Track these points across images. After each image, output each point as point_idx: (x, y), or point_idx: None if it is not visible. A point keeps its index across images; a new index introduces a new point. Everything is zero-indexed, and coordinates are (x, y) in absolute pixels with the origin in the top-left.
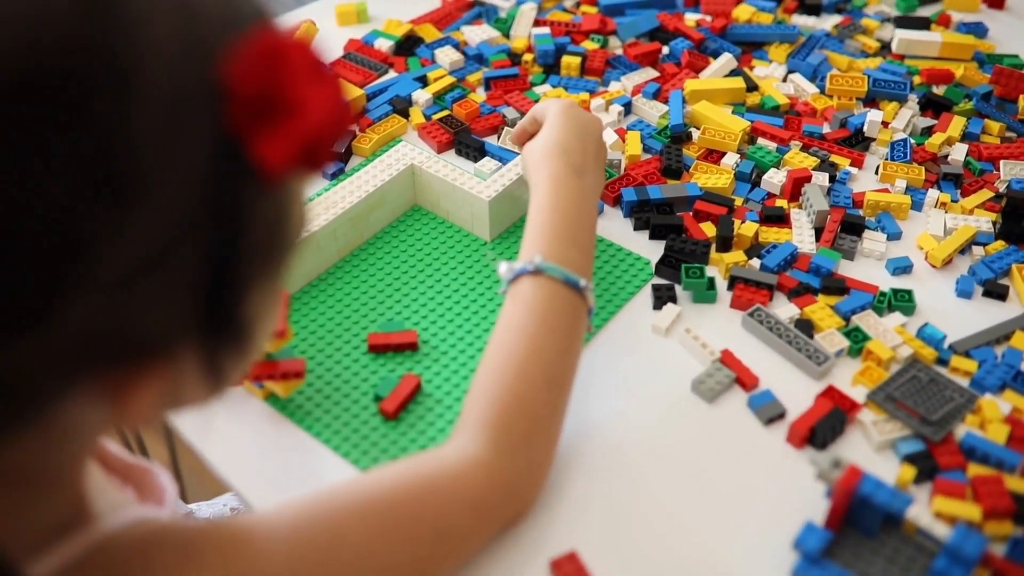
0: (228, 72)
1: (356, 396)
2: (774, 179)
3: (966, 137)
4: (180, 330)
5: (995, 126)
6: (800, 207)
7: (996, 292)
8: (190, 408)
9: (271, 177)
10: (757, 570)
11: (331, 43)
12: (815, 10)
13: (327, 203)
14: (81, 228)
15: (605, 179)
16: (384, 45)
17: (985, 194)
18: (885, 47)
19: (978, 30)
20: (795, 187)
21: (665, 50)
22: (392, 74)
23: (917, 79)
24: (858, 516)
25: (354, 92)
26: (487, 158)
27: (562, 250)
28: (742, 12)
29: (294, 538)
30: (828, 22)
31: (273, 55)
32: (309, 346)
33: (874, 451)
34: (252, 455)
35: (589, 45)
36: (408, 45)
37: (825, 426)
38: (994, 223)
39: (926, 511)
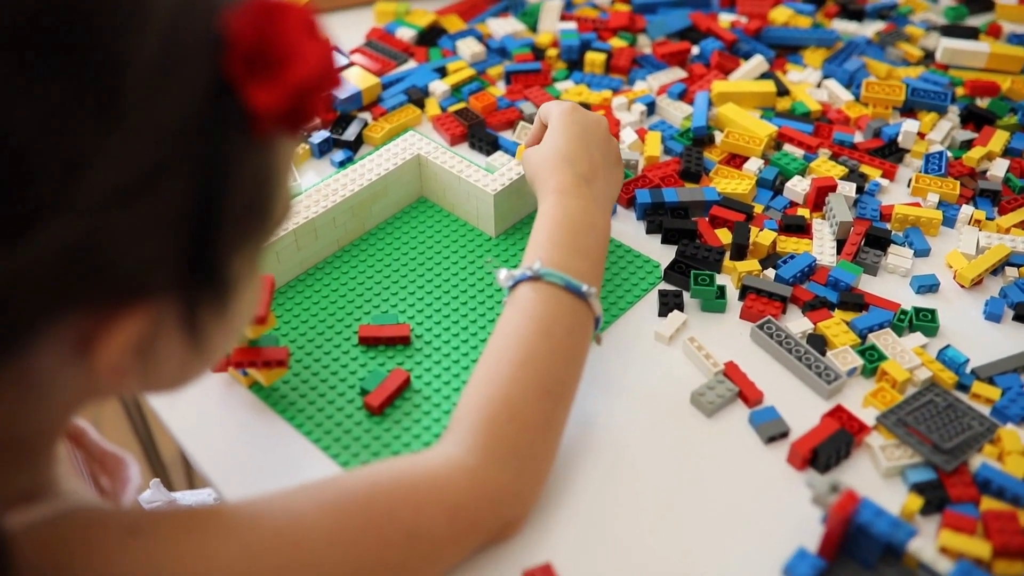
0: (228, 23)
1: (342, 389)
2: (797, 187)
3: (1008, 153)
4: (159, 270)
5: None
6: (823, 217)
7: None
8: (167, 382)
9: (261, 126)
10: None
11: (355, 31)
12: (858, 16)
13: (328, 190)
14: (72, 141)
15: (622, 177)
16: (407, 35)
17: None
18: (929, 56)
19: None
20: (819, 196)
21: (695, 50)
22: (412, 64)
23: (960, 90)
24: (856, 545)
25: (369, 80)
26: (499, 152)
27: (564, 258)
28: (779, 15)
29: (254, 526)
30: (870, 28)
31: (271, 11)
32: (299, 335)
33: (881, 478)
34: (231, 444)
35: (616, 42)
36: (431, 35)
37: (829, 448)
38: None
39: (931, 545)
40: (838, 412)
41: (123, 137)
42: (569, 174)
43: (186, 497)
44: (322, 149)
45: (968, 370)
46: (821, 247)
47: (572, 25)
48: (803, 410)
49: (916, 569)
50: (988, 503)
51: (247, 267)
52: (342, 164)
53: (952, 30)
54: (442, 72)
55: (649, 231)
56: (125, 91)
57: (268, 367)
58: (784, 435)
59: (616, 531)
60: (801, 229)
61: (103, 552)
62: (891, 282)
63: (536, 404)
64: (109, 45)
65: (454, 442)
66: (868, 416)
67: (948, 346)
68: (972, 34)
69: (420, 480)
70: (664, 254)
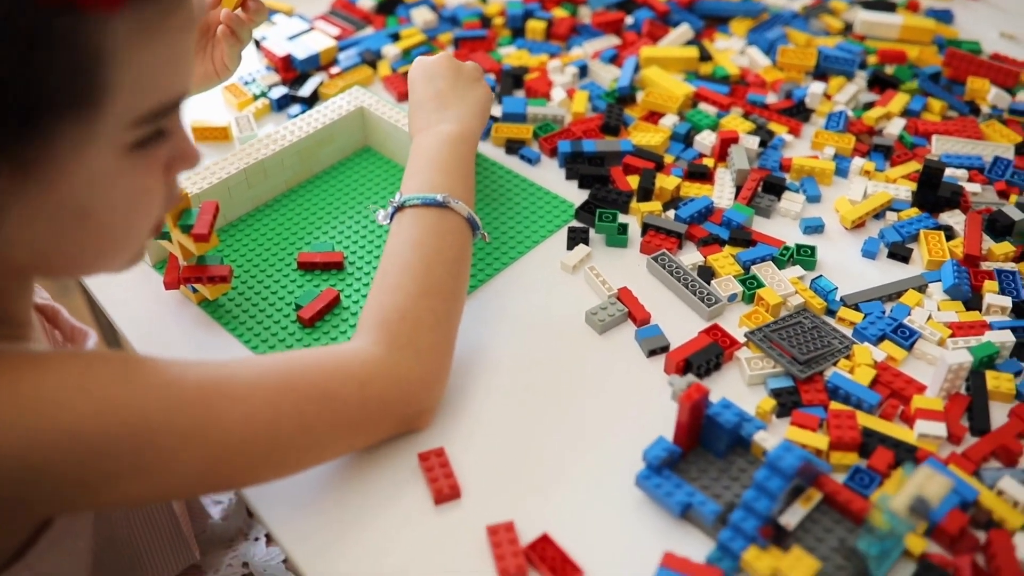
0: None
1: (280, 306)
2: (706, 140)
3: (907, 114)
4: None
5: (937, 105)
6: (727, 167)
7: (900, 255)
8: (45, 256)
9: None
10: (608, 476)
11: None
12: None
13: (277, 135)
14: None
15: (484, 91)
16: (367, 4)
17: (912, 166)
18: (849, 28)
19: (944, 16)
20: (723, 148)
21: (629, 19)
22: (370, 30)
23: (872, 59)
24: (708, 436)
25: (326, 44)
26: None
27: (421, 180)
28: None
29: (180, 370)
30: (799, 3)
31: None
32: (246, 261)
33: (746, 386)
34: (179, 351)
35: (558, 12)
36: (390, 5)
37: (700, 358)
38: (913, 192)
39: (776, 438)
40: (714, 330)
41: None
42: (420, 116)
43: None
44: (280, 104)
45: (837, 297)
46: (721, 192)
47: None
48: (685, 329)
49: (761, 457)
50: (835, 406)
51: (83, 153)
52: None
53: (872, 4)
54: (395, 38)
55: (568, 177)
56: None
57: (213, 282)
58: (665, 349)
59: (505, 424)
60: (704, 176)
61: (48, 364)
62: (783, 224)
63: (423, 304)
64: None
65: (360, 338)
66: (741, 335)
67: (820, 276)
68: (890, 8)
69: (333, 356)
70: (580, 197)
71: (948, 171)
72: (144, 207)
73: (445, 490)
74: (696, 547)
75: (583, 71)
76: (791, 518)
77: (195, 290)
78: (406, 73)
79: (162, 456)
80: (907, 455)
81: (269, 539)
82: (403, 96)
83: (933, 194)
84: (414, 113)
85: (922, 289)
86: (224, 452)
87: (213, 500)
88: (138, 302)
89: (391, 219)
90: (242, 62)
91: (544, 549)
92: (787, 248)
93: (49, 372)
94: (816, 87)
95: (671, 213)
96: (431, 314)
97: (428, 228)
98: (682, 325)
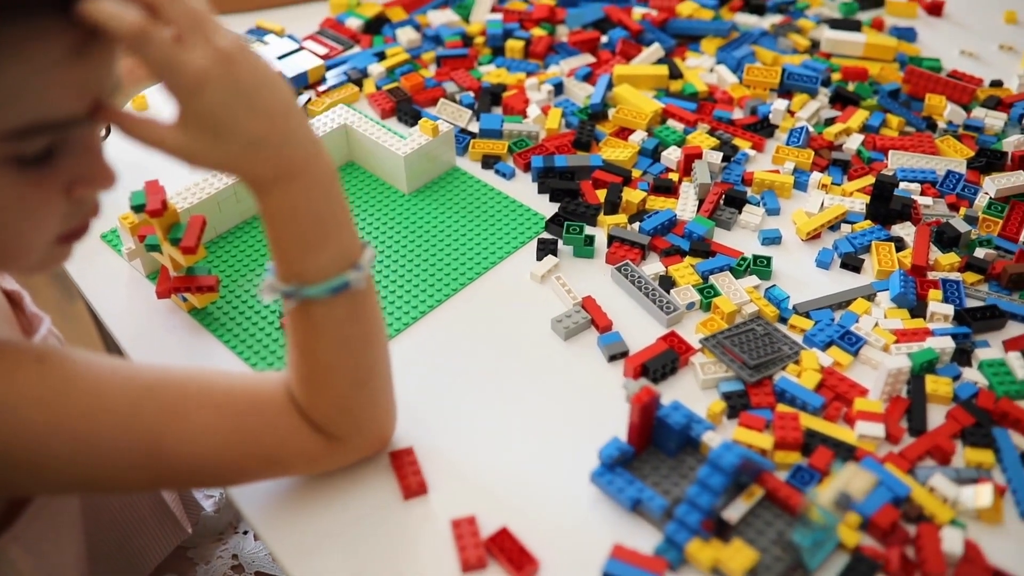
0: None
1: (265, 313)
2: (672, 155)
3: (866, 129)
4: None
5: (895, 120)
6: (691, 181)
7: (852, 265)
8: None
9: None
10: (566, 473)
11: (311, 20)
12: (759, 9)
13: None
14: None
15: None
16: (355, 24)
17: (868, 180)
18: (815, 46)
19: (908, 34)
20: (688, 162)
21: (604, 38)
22: (357, 49)
23: (836, 76)
24: (660, 437)
25: (314, 63)
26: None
27: (321, 257)
28: (685, 8)
29: (151, 386)
30: (768, 21)
31: None
32: (234, 271)
33: (700, 389)
34: (170, 355)
35: (537, 31)
36: (376, 24)
37: (657, 363)
38: (867, 205)
39: (723, 438)
40: (670, 336)
41: None
42: (265, 157)
43: None
44: None
45: (789, 306)
46: (684, 205)
47: (499, 16)
48: (645, 335)
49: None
50: (781, 409)
51: None
52: None
53: (839, 23)
54: (381, 56)
55: (541, 191)
56: None
57: (201, 292)
58: (624, 354)
59: (472, 423)
60: (669, 190)
61: (16, 370)
62: (742, 235)
63: (359, 393)
64: None
65: (307, 426)
66: (697, 341)
67: (774, 285)
68: (855, 26)
69: (289, 429)
70: (552, 210)
71: (902, 185)
72: (20, 222)
73: (413, 486)
74: (646, 540)
75: (559, 88)
76: (733, 512)
77: (185, 299)
78: (391, 90)
79: (106, 470)
80: (847, 454)
81: None
82: (387, 113)
83: (885, 207)
84: (255, 156)
85: (871, 298)
86: (170, 474)
87: (205, 495)
88: (132, 310)
89: (282, 298)
90: None
91: (503, 541)
92: (744, 259)
93: (9, 375)
94: (779, 104)
95: (636, 225)
96: (369, 396)
97: (347, 316)
98: (642, 332)
